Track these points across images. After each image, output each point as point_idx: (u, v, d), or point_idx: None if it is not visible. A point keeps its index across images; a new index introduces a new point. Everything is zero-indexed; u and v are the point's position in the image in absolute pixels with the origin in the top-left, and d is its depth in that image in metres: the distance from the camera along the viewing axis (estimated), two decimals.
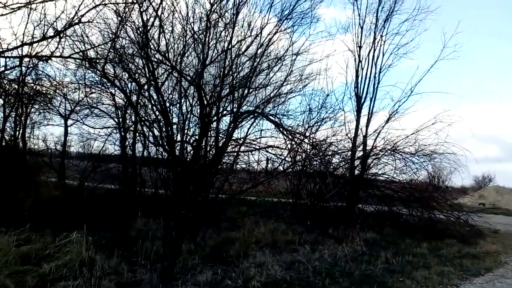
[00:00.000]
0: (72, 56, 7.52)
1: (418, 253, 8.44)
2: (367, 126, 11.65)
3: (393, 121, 11.89)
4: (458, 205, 13.93)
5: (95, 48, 7.55)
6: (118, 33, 6.89)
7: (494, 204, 27.39)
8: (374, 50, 11.69)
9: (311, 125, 9.81)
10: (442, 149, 11.66)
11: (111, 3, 6.52)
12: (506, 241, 11.42)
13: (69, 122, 11.22)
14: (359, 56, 11.73)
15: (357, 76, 11.69)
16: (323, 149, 9.53)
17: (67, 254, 5.46)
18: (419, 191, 12.11)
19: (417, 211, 11.77)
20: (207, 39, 7.20)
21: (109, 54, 7.38)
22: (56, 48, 7.15)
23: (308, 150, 8.22)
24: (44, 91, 10.10)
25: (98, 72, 8.44)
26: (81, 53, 7.54)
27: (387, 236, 10.20)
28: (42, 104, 10.58)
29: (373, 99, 11.72)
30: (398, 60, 12.02)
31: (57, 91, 10.34)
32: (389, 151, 11.73)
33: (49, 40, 7.07)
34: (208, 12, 7.09)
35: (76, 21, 6.90)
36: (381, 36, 11.69)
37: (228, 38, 7.37)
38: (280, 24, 7.99)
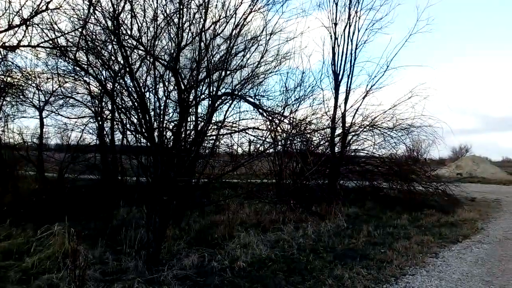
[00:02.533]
0: (41, 45, 7.29)
1: (398, 224, 8.70)
2: (345, 103, 11.75)
3: (371, 97, 12.04)
4: (436, 176, 14.37)
5: (65, 36, 7.32)
6: (88, 19, 6.68)
7: (471, 173, 28.28)
8: (350, 26, 11.68)
9: (290, 104, 9.83)
10: (419, 123, 11.92)
11: None
12: (482, 208, 11.85)
13: (44, 113, 10.94)
14: (335, 33, 11.71)
15: (333, 53, 11.69)
16: (303, 128, 9.62)
17: (50, 247, 5.41)
18: (398, 165, 12.39)
19: (397, 184, 12.07)
20: (181, 21, 7.06)
21: (80, 41, 7.18)
22: (24, 36, 6.91)
23: (288, 130, 8.28)
24: (15, 83, 9.79)
25: (70, 60, 8.19)
26: (51, 42, 7.31)
27: (368, 210, 10.46)
28: (14, 96, 10.26)
29: (350, 75, 11.78)
30: (374, 35, 12.06)
31: (29, 82, 10.05)
32: (367, 127, 11.91)
33: (16, 29, 6.83)
34: None
35: (43, 8, 6.67)
36: (356, 12, 11.68)
37: (202, 20, 7.24)
38: (254, 3, 7.88)
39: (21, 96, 10.28)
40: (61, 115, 11.17)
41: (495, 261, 6.08)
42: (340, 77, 11.65)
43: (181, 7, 6.80)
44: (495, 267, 5.74)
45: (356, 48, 11.80)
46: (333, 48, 11.71)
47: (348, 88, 11.78)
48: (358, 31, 11.80)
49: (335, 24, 11.68)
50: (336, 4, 11.65)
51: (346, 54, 11.72)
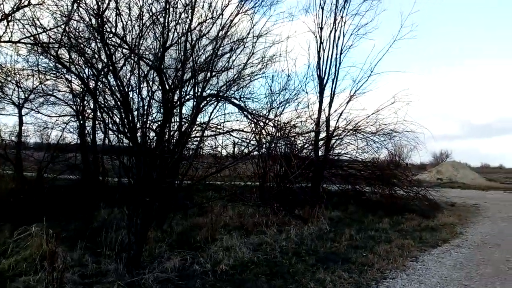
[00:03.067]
0: (22, 41, 7.12)
1: (380, 228, 8.80)
2: (329, 107, 11.82)
3: (355, 102, 12.12)
4: (417, 181, 14.59)
5: (47, 32, 7.16)
6: (72, 15, 6.56)
7: (451, 178, 28.86)
8: (335, 31, 11.77)
9: (275, 107, 9.84)
10: (402, 128, 12.09)
11: None
12: (461, 213, 12.08)
13: (24, 111, 10.67)
14: (320, 37, 11.78)
15: (319, 58, 11.76)
16: (287, 131, 9.63)
17: (27, 249, 5.27)
18: (380, 169, 12.54)
19: (379, 189, 12.21)
20: (166, 21, 6.99)
21: (63, 38, 7.03)
22: (4, 32, 6.73)
23: (273, 133, 8.27)
24: None
25: (52, 57, 8.01)
26: (32, 38, 7.14)
27: (351, 213, 10.55)
28: None
29: (335, 80, 11.86)
30: (359, 40, 12.15)
31: (9, 78, 9.80)
32: (351, 131, 12.02)
33: None
34: None
35: (25, 3, 6.52)
36: (342, 17, 11.78)
37: (189, 20, 7.19)
38: (241, 5, 7.87)
39: None
40: (41, 113, 10.93)
41: (473, 265, 6.19)
42: (325, 81, 11.73)
43: (167, 6, 6.74)
44: (473, 271, 5.85)
45: (341, 53, 11.91)
46: (319, 52, 11.79)
47: (332, 93, 11.87)
48: (343, 36, 11.92)
49: (321, 29, 11.76)
50: (322, 9, 11.74)
51: (331, 58, 11.81)
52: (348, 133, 12.12)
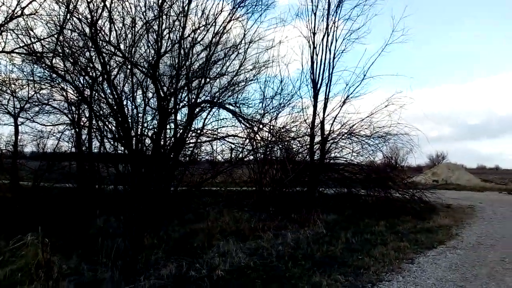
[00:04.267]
0: (15, 50, 7.14)
1: (376, 231, 8.82)
2: (324, 111, 11.92)
3: (349, 105, 12.25)
4: (412, 183, 14.67)
5: (41, 42, 7.20)
6: (65, 25, 6.60)
7: (446, 180, 28.97)
8: (328, 36, 11.90)
9: (269, 112, 9.89)
10: (396, 130, 12.17)
11: None
12: (457, 214, 12.13)
13: (19, 120, 10.69)
14: (313, 42, 11.91)
15: (312, 62, 11.88)
16: (282, 135, 9.68)
17: (23, 258, 5.26)
18: (376, 172, 12.60)
19: (375, 191, 12.25)
20: (160, 28, 7.05)
21: (57, 47, 7.06)
22: None
23: (268, 137, 8.32)
24: None
25: (46, 66, 8.05)
26: (26, 47, 7.17)
27: (347, 217, 10.57)
28: None
29: (328, 84, 11.98)
30: (351, 45, 12.30)
31: (4, 88, 9.81)
32: (346, 135, 12.10)
33: None
34: (160, 1, 6.94)
35: (18, 13, 6.55)
36: (334, 22, 11.91)
37: (182, 28, 7.25)
38: (234, 12, 7.95)
39: None
40: (37, 122, 10.93)
41: (469, 267, 6.23)
42: (318, 85, 11.84)
43: (161, 14, 6.81)
44: (469, 272, 5.88)
45: (334, 57, 12.04)
46: (312, 57, 11.91)
47: (326, 97, 11.98)
48: (336, 40, 12.05)
49: (314, 34, 11.89)
50: (315, 14, 11.88)
51: (325, 63, 11.94)
52: (343, 137, 12.21)
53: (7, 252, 5.52)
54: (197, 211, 9.79)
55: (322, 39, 11.92)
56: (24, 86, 9.89)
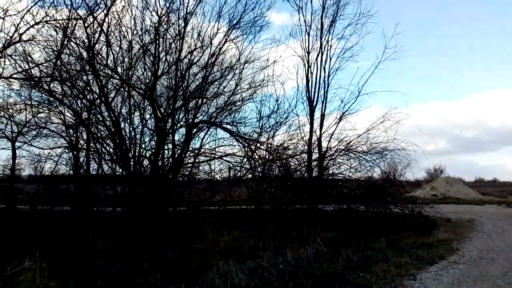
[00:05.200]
0: (14, 76, 7.21)
1: (376, 247, 8.74)
2: (320, 128, 12.01)
3: (345, 122, 12.36)
4: (411, 198, 14.63)
5: (39, 66, 7.28)
6: (63, 49, 6.70)
7: (445, 194, 28.90)
8: (322, 54, 12.11)
9: (266, 131, 9.96)
10: (393, 146, 12.26)
11: (52, 20, 6.32)
12: (457, 229, 12.06)
13: (17, 144, 10.70)
14: (308, 61, 12.10)
15: (307, 81, 12.03)
16: (279, 153, 9.72)
17: (20, 284, 5.18)
18: (374, 188, 12.60)
19: (374, 207, 12.21)
20: (157, 51, 7.16)
21: (54, 71, 7.14)
22: None
23: (265, 156, 8.36)
24: None
25: (44, 90, 8.13)
26: (24, 72, 7.25)
27: (347, 233, 10.48)
28: None
29: (324, 101, 12.13)
30: (345, 63, 12.51)
31: (2, 113, 9.85)
32: (343, 151, 12.15)
33: None
34: (157, 24, 7.08)
35: (16, 39, 6.63)
36: (327, 41, 12.12)
37: (178, 50, 7.37)
38: (229, 33, 8.10)
39: None
40: (35, 146, 10.94)
41: (471, 282, 6.18)
42: (314, 103, 11.96)
43: (157, 37, 6.93)
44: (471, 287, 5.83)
45: (329, 75, 12.22)
46: (307, 76, 12.07)
47: (322, 114, 12.09)
48: (330, 59, 12.26)
49: (308, 53, 12.09)
50: (308, 34, 12.10)
51: (320, 81, 12.11)
52: (340, 153, 12.26)
53: (4, 278, 5.44)
54: (196, 231, 9.71)
55: (317, 58, 12.13)
56: (22, 110, 9.94)
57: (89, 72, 6.13)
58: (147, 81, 6.91)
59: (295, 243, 8.78)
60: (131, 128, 6.23)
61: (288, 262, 7.18)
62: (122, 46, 6.86)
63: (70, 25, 6.50)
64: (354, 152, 12.18)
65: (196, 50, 7.80)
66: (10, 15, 6.30)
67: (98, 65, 6.16)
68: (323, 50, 12.10)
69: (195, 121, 6.94)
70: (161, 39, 7.11)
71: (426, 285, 6.01)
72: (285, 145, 10.46)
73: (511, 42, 74.37)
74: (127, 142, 6.01)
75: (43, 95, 8.88)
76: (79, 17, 6.17)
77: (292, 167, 11.42)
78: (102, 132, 7.56)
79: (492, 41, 76.55)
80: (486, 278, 6.41)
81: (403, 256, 7.82)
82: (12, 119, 10.16)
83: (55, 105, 9.46)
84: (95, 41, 6.01)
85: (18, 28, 6.47)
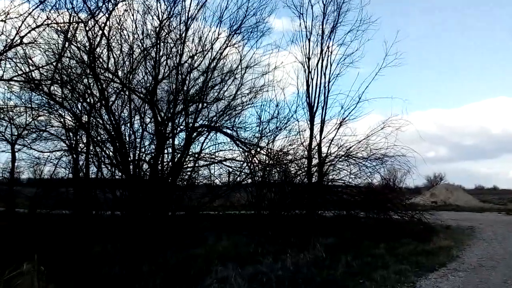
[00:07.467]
0: (14, 78, 7.21)
1: (376, 253, 8.70)
2: (321, 133, 12.01)
3: (345, 128, 12.34)
4: (411, 205, 14.58)
5: (39, 69, 7.28)
6: (63, 52, 6.70)
7: (445, 201, 28.84)
8: (322, 60, 12.13)
9: (266, 135, 9.95)
10: (393, 152, 12.21)
11: (54, 24, 6.33)
12: (457, 235, 12.02)
13: (16, 147, 10.70)
14: (308, 67, 12.11)
15: (308, 86, 12.04)
16: (279, 158, 9.71)
17: None
18: (374, 194, 12.56)
19: (374, 214, 12.17)
20: (158, 55, 7.17)
21: (55, 75, 7.14)
22: None
23: (265, 160, 8.34)
24: None
25: (44, 94, 8.12)
26: (24, 75, 7.25)
27: (346, 239, 10.43)
28: None
29: (324, 107, 12.14)
30: (346, 69, 12.53)
31: (1, 115, 9.85)
32: (343, 157, 12.12)
33: None
34: (158, 29, 7.10)
35: (17, 42, 6.63)
36: (328, 47, 12.15)
37: (179, 55, 7.38)
38: (230, 38, 8.12)
39: None
40: (34, 149, 10.94)
41: None
42: (314, 108, 11.97)
43: (158, 41, 6.94)
44: None
45: (329, 81, 12.24)
46: (307, 81, 12.08)
47: (322, 120, 12.09)
48: (331, 65, 12.28)
49: (309, 59, 12.11)
50: (309, 40, 12.12)
51: (320, 86, 12.12)
52: (340, 159, 12.24)
53: (2, 282, 5.39)
54: (195, 235, 9.67)
55: (317, 64, 12.15)
56: (22, 113, 9.95)
57: (90, 76, 6.13)
58: (148, 85, 6.92)
59: (294, 249, 8.74)
60: (131, 132, 6.23)
61: (288, 268, 7.13)
62: (123, 50, 6.89)
63: (71, 28, 6.52)
64: (354, 158, 12.17)
65: (197, 55, 7.82)
66: (11, 18, 6.32)
67: (98, 69, 6.16)
68: (323, 56, 12.14)
69: (195, 125, 6.93)
70: (162, 43, 7.13)
71: None
72: (285, 150, 10.45)
73: (510, 51, 74.59)
74: (127, 145, 6.00)
75: (43, 98, 8.88)
76: (80, 20, 6.18)
77: (292, 172, 11.41)
78: (102, 136, 7.55)
79: (492, 49, 76.88)
80: (487, 286, 6.37)
81: (403, 263, 7.78)
82: (12, 122, 10.18)
83: (55, 108, 9.46)
84: (96, 45, 6.02)
85: (19, 30, 6.48)
